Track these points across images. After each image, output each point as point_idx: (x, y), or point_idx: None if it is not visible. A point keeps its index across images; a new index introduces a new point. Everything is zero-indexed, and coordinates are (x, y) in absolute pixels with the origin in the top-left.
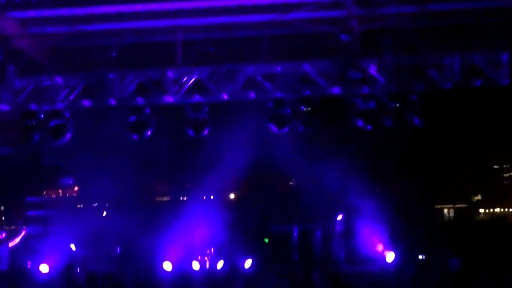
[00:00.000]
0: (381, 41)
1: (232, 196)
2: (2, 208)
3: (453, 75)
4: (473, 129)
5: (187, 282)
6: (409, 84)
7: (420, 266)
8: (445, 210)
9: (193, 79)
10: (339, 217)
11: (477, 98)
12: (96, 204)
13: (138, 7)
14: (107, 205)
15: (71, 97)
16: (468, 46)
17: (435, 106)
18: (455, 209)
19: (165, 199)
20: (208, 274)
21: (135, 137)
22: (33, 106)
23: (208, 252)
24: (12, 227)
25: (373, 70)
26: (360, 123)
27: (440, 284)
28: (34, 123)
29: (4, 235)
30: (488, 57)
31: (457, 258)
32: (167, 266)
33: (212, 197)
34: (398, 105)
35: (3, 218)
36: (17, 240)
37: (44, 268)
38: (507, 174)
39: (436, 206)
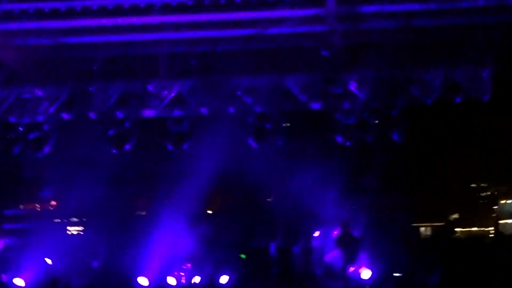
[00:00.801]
0: (362, 56)
1: (209, 210)
2: None
3: (434, 91)
4: (451, 146)
5: None
6: (389, 100)
7: (398, 283)
8: (422, 229)
9: (173, 93)
10: (316, 233)
11: (457, 114)
12: (74, 219)
13: (120, 21)
14: (84, 219)
15: (51, 110)
16: (449, 62)
17: (415, 122)
18: (432, 228)
19: (143, 213)
20: None
21: (115, 150)
22: (12, 119)
23: (184, 267)
24: None
25: (353, 86)
26: (339, 138)
27: None
28: (13, 135)
29: None
30: (469, 73)
31: (436, 275)
32: (143, 281)
33: (189, 211)
34: (378, 120)
35: None
36: None
37: (19, 282)
38: (484, 193)
39: (412, 224)
